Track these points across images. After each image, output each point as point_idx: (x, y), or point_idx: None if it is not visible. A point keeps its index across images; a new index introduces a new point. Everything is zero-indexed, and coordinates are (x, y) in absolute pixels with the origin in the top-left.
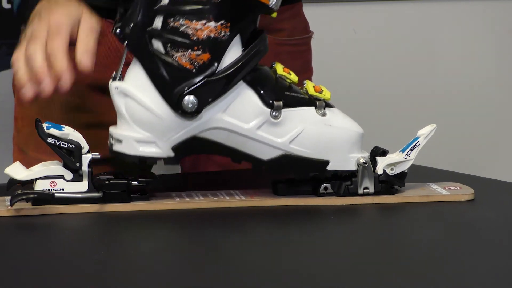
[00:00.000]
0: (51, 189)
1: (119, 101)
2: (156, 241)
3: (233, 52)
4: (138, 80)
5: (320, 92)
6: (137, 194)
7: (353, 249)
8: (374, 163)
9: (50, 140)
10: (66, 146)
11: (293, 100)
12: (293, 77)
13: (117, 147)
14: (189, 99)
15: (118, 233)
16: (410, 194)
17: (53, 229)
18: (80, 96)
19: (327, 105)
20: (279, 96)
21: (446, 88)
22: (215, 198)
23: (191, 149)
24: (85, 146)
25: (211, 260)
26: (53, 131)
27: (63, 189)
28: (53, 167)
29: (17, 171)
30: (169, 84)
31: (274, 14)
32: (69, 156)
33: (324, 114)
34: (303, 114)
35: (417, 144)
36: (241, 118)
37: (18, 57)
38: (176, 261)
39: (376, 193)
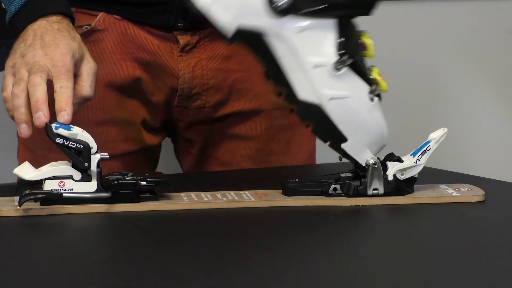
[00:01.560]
0: (60, 189)
1: None
2: (164, 242)
3: None
4: None
5: (379, 84)
6: (146, 194)
7: (362, 250)
8: (385, 168)
9: (58, 140)
10: (75, 146)
11: (360, 68)
12: (369, 53)
13: None
14: None
15: (127, 233)
16: (420, 195)
17: (62, 229)
18: None
19: (378, 95)
20: (352, 54)
21: (448, 88)
22: (224, 199)
23: (250, 41)
24: (93, 146)
25: (220, 261)
26: (61, 131)
27: (71, 189)
28: (62, 167)
29: (26, 172)
30: None
31: None
32: (77, 156)
33: (372, 99)
34: (357, 86)
35: (428, 149)
36: (309, 48)
37: (19, 92)
38: (185, 261)
39: (386, 194)
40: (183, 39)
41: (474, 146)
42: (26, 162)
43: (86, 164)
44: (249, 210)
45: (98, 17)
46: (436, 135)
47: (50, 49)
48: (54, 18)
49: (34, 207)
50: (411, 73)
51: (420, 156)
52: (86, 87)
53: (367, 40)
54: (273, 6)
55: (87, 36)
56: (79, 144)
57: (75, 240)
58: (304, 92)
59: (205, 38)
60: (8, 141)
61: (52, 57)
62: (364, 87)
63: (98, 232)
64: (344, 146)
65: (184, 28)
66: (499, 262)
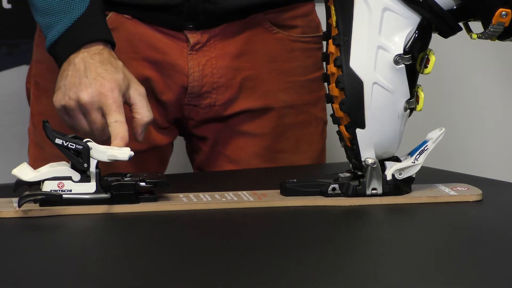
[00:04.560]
0: (59, 190)
1: None
2: (164, 243)
3: None
4: None
5: (418, 101)
6: (145, 195)
7: (361, 250)
8: (383, 168)
9: (58, 141)
10: (74, 147)
11: (413, 75)
12: (427, 70)
13: None
14: None
15: (126, 234)
16: (418, 195)
17: (61, 230)
18: None
19: (411, 110)
20: (415, 57)
21: (448, 88)
22: (223, 199)
23: None
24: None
25: (218, 261)
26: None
27: (70, 190)
28: (61, 168)
29: (25, 172)
30: None
31: None
32: (77, 157)
33: (405, 109)
34: (402, 88)
35: (425, 149)
36: (384, 28)
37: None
38: (183, 262)
39: (384, 194)
40: (193, 37)
41: (472, 146)
42: (25, 163)
43: (85, 165)
44: (248, 211)
45: (108, 16)
46: (433, 135)
47: (97, 86)
48: (95, 49)
49: (33, 208)
50: None
51: (418, 155)
52: (145, 112)
53: (431, 57)
54: None
55: None
56: (78, 144)
57: (75, 241)
58: (357, 63)
59: (215, 36)
60: (8, 142)
61: (102, 93)
62: (406, 93)
63: (97, 233)
64: (358, 131)
65: (194, 28)
66: (497, 261)
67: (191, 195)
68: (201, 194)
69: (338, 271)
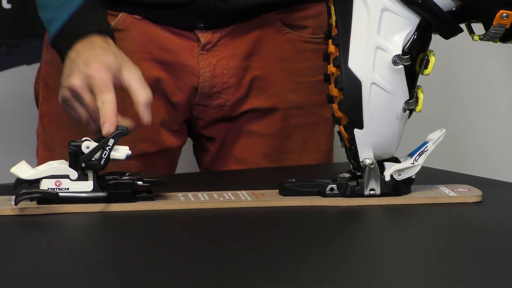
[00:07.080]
0: (56, 188)
1: None
2: (160, 242)
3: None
4: None
5: (417, 102)
6: (143, 194)
7: (359, 250)
8: (382, 168)
9: None
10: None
11: (412, 76)
12: (427, 71)
13: None
14: None
15: (122, 233)
16: (417, 196)
17: (58, 229)
18: None
19: (411, 111)
20: (414, 58)
21: (449, 89)
22: (221, 199)
23: None
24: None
25: (215, 261)
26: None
27: (68, 189)
28: (59, 166)
29: (23, 170)
30: None
31: None
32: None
33: (404, 110)
34: (401, 89)
35: (425, 150)
36: (383, 28)
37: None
38: (179, 261)
39: (383, 194)
40: (204, 37)
41: (473, 146)
42: (23, 161)
43: (83, 164)
44: (245, 210)
45: (118, 17)
46: (434, 136)
47: (84, 70)
48: (89, 40)
49: (30, 206)
50: None
51: (418, 157)
52: (140, 94)
53: (431, 58)
54: None
55: None
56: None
57: (71, 239)
58: (356, 63)
59: (226, 36)
60: (8, 141)
61: (89, 76)
62: (405, 94)
63: (94, 231)
64: (356, 132)
65: (205, 27)
66: (496, 263)
67: (189, 194)
68: (199, 193)
69: (335, 272)
